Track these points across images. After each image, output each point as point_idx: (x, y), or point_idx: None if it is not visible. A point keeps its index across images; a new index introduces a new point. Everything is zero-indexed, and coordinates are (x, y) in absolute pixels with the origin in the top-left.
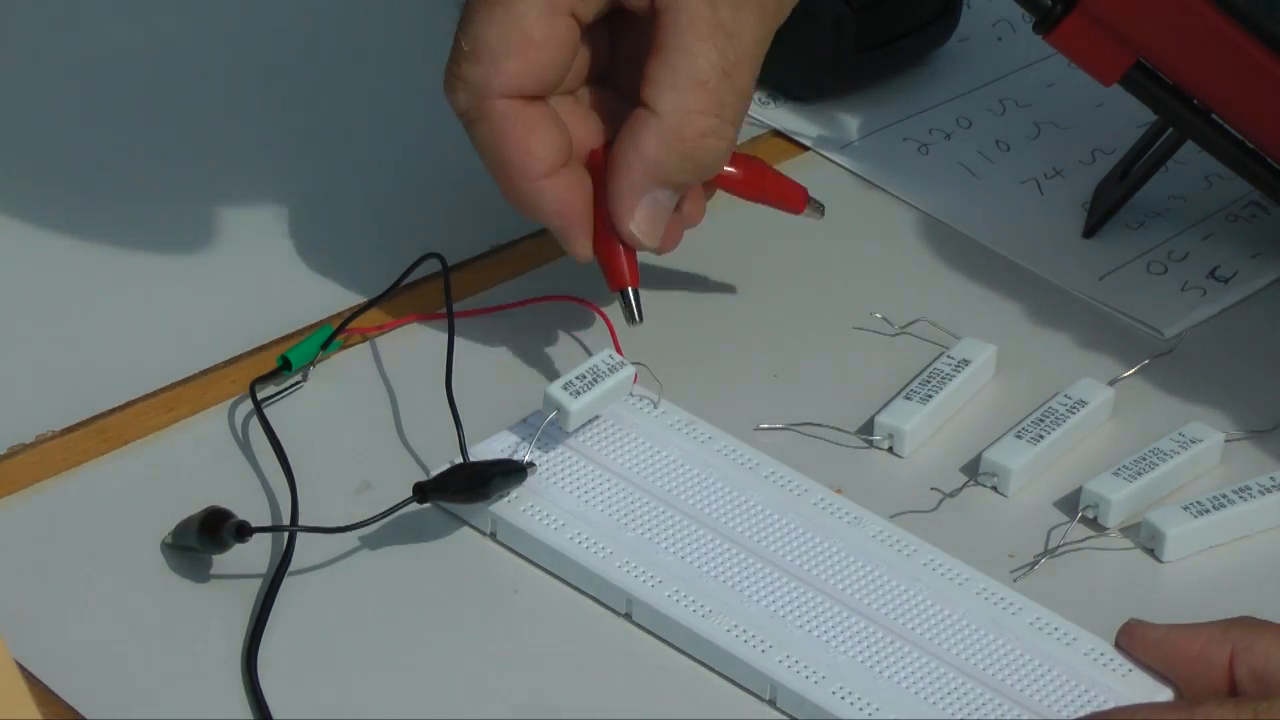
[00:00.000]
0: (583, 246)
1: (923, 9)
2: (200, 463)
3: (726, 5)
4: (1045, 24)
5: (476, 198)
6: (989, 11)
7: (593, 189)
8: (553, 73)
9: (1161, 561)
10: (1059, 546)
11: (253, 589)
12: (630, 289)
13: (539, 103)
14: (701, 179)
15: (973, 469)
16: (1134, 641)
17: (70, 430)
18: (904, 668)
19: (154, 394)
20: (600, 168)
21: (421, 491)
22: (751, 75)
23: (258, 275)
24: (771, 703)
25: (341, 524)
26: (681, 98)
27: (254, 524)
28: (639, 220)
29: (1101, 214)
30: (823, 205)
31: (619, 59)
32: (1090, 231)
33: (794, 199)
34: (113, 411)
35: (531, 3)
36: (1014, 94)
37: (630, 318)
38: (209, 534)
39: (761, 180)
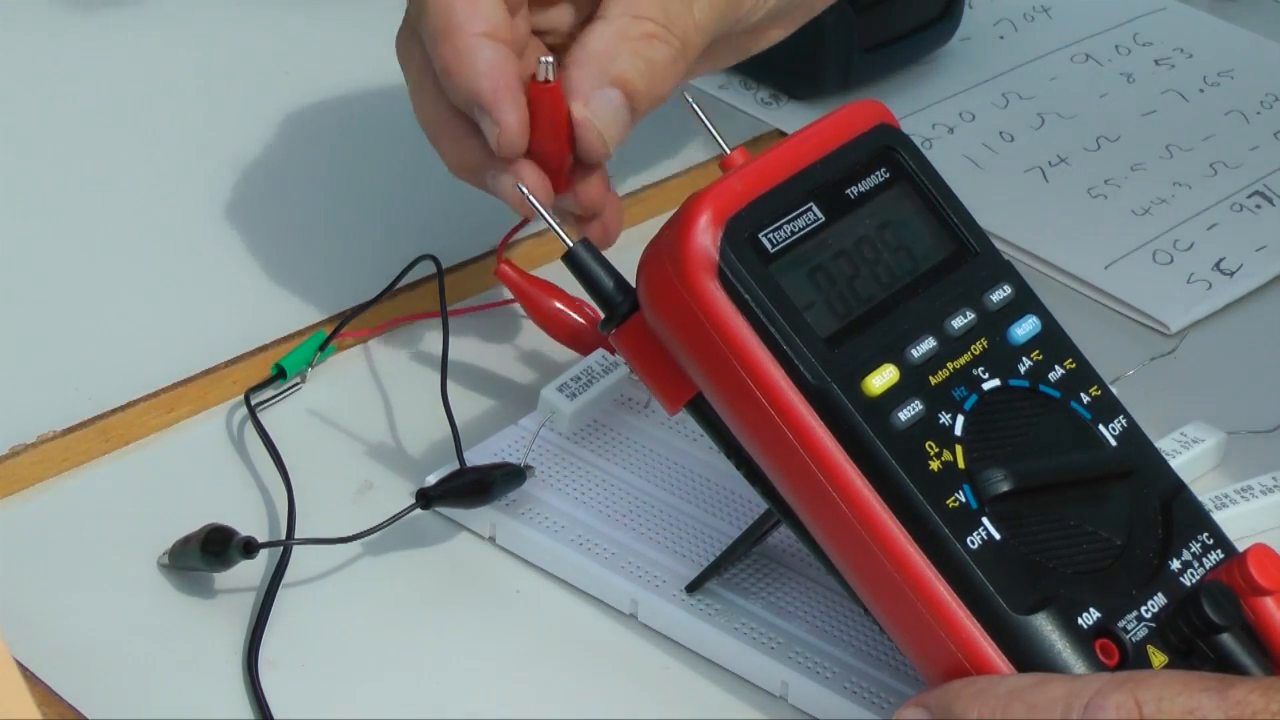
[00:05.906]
0: (508, 113)
1: (925, 8)
2: (201, 464)
3: None
4: (610, 321)
5: (473, 199)
6: (991, 11)
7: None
8: None
9: None
10: None
11: (253, 589)
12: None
13: None
14: (653, 87)
15: None
16: None
17: (71, 430)
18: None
19: (154, 394)
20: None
21: (425, 498)
22: (709, 5)
23: (257, 276)
24: (783, 699)
25: (341, 528)
26: (630, 5)
27: (254, 526)
28: (595, 109)
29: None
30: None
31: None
32: (694, 586)
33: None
34: (113, 412)
35: None
36: (1017, 87)
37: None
38: (214, 553)
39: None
